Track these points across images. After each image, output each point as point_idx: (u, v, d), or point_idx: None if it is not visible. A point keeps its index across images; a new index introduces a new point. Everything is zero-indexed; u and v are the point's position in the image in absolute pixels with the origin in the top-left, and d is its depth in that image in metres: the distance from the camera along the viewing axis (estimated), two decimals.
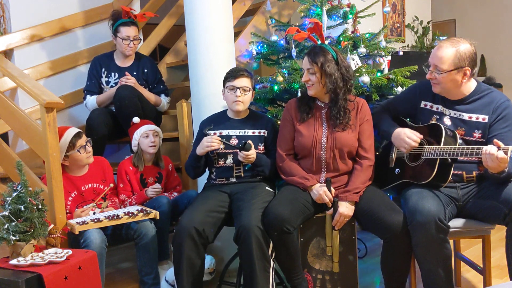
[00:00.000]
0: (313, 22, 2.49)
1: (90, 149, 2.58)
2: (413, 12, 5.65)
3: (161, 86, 3.52)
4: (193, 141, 2.98)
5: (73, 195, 2.56)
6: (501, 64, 6.02)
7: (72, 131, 2.53)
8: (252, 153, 2.42)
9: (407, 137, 2.29)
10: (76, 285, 2.00)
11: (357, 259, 2.40)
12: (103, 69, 3.40)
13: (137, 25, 3.38)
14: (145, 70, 3.45)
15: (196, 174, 2.63)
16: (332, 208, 2.31)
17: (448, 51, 2.21)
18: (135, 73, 3.40)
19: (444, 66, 2.21)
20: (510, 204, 2.10)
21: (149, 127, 2.81)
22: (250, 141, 2.44)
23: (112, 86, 3.37)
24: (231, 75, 2.52)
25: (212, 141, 2.42)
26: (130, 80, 3.27)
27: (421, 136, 2.28)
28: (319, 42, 2.53)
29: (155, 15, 3.77)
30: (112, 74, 3.39)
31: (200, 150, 2.47)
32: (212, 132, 2.56)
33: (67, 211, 2.47)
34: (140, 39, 3.39)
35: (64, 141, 2.48)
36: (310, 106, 2.44)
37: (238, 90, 2.49)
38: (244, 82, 2.50)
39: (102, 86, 3.40)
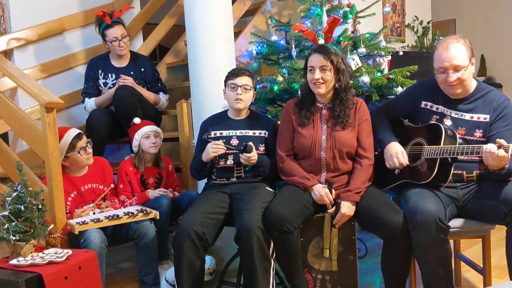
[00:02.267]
0: (333, 17, 2.55)
1: (90, 150, 2.58)
2: (413, 12, 5.65)
3: (159, 84, 3.52)
4: (194, 142, 2.99)
5: (72, 195, 2.55)
6: (501, 64, 6.02)
7: (73, 132, 2.53)
8: (253, 155, 2.42)
9: (395, 156, 2.31)
10: (76, 285, 2.00)
11: (357, 259, 2.40)
12: (100, 71, 3.39)
13: (122, 23, 3.36)
14: (142, 69, 3.45)
15: (202, 177, 2.64)
16: (333, 208, 2.31)
17: (460, 47, 2.22)
18: (132, 72, 3.40)
19: (465, 62, 2.21)
20: (510, 204, 2.10)
21: (150, 128, 2.81)
22: (251, 143, 2.43)
23: (110, 87, 3.36)
24: (233, 74, 2.53)
25: (217, 148, 2.42)
26: (127, 80, 3.27)
27: (407, 163, 2.30)
28: (321, 41, 2.54)
29: (131, 7, 3.75)
30: (109, 75, 3.39)
31: (206, 156, 2.46)
32: (213, 133, 2.56)
33: (67, 211, 2.47)
34: (128, 36, 3.36)
35: (64, 142, 2.48)
36: (310, 107, 2.44)
37: (239, 88, 2.49)
38: (245, 80, 2.51)
39: (100, 88, 3.40)
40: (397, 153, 2.32)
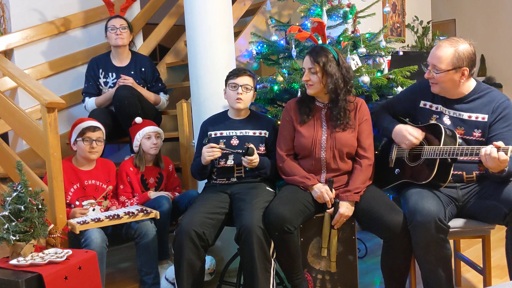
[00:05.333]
0: (317, 21, 2.49)
1: (96, 146, 2.59)
2: (413, 12, 5.65)
3: (160, 84, 3.52)
4: (194, 142, 2.99)
5: (75, 187, 2.58)
6: (501, 64, 6.02)
7: (91, 122, 2.63)
8: (255, 158, 2.41)
9: (409, 133, 2.28)
10: (76, 285, 2.00)
11: (357, 259, 2.40)
12: (100, 70, 3.39)
13: (126, 20, 3.41)
14: (143, 69, 3.45)
15: (203, 178, 2.65)
16: (333, 208, 2.31)
17: (446, 51, 2.21)
18: (132, 72, 3.40)
19: (442, 66, 2.21)
20: (510, 204, 2.10)
21: (152, 129, 2.81)
22: (252, 145, 2.43)
23: (110, 87, 3.36)
24: (234, 73, 2.53)
25: (213, 152, 2.42)
26: (127, 80, 3.27)
27: (423, 134, 2.28)
28: (320, 42, 2.53)
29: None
30: (110, 74, 3.39)
31: (204, 160, 2.47)
32: (213, 133, 2.56)
33: (67, 201, 2.50)
34: (127, 29, 3.37)
35: (79, 126, 2.59)
36: (310, 107, 2.44)
37: (240, 87, 2.49)
38: (246, 80, 2.51)
39: (101, 87, 3.40)
40: (407, 130, 2.29)
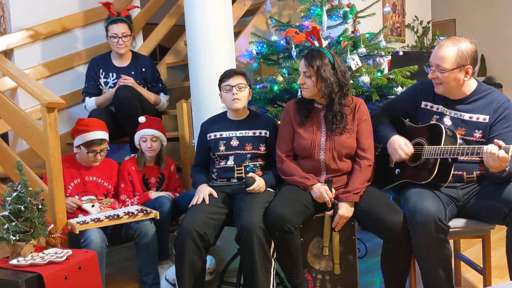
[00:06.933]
0: (311, 26, 2.47)
1: (99, 158, 2.62)
2: (413, 12, 5.65)
3: (160, 85, 3.51)
4: (194, 142, 2.99)
5: (76, 181, 2.59)
6: (501, 64, 6.03)
7: (100, 135, 2.58)
8: (256, 186, 2.40)
9: (400, 148, 2.29)
10: (76, 285, 2.00)
11: (357, 259, 2.40)
12: (101, 70, 3.38)
13: (127, 22, 3.34)
14: (143, 69, 3.44)
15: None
16: (332, 210, 2.31)
17: (449, 50, 2.21)
18: (133, 72, 3.39)
19: (446, 65, 2.21)
20: (510, 204, 2.10)
21: (148, 132, 2.79)
22: (250, 174, 2.44)
23: (111, 87, 3.36)
24: (225, 76, 2.54)
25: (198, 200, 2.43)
26: (128, 80, 3.26)
27: (413, 151, 2.29)
28: (316, 44, 2.52)
29: (136, 6, 3.75)
30: (110, 74, 3.38)
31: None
32: (213, 134, 2.57)
33: (67, 195, 2.52)
34: (130, 36, 3.33)
35: (85, 135, 2.55)
36: (309, 108, 2.43)
37: (234, 88, 2.49)
38: (238, 80, 2.51)
39: (101, 87, 3.40)
40: (399, 145, 2.30)
